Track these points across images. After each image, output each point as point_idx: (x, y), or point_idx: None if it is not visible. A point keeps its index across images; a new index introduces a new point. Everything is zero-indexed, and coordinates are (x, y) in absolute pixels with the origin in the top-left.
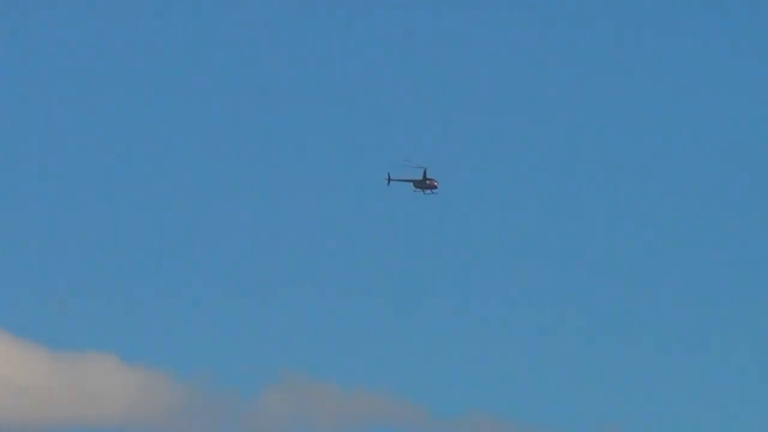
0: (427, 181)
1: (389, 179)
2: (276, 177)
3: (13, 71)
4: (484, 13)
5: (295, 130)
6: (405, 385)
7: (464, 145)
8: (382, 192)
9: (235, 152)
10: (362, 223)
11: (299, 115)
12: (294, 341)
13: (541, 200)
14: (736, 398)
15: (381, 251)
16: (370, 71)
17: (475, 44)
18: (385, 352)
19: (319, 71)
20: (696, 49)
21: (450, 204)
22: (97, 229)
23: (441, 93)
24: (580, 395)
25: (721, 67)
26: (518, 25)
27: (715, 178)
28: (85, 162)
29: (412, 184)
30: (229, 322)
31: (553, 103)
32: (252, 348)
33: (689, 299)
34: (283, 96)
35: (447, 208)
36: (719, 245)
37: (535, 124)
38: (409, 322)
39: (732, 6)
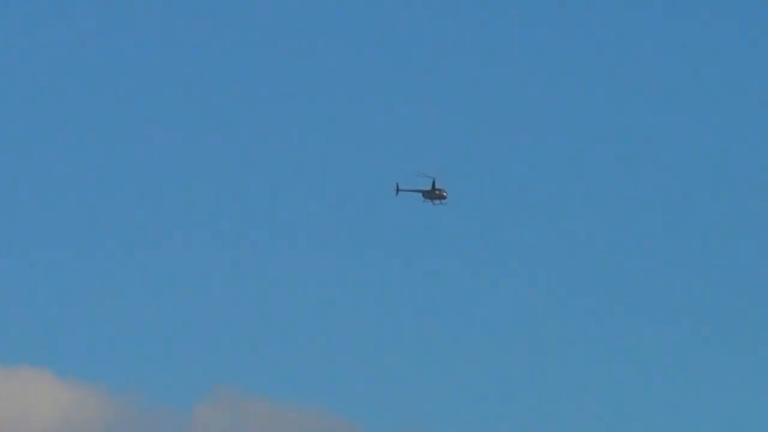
0: (436, 192)
1: (398, 189)
2: (276, 185)
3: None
4: (498, 22)
5: (302, 139)
6: (339, 401)
7: (474, 155)
8: (392, 202)
9: (237, 159)
10: (366, 233)
11: (305, 124)
12: (227, 355)
13: (548, 213)
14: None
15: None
16: (380, 81)
17: (488, 53)
18: (318, 367)
19: (327, 79)
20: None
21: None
22: (30, 242)
23: (451, 103)
24: (515, 417)
25: (723, 66)
26: (534, 33)
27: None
28: (21, 172)
29: (421, 194)
30: (162, 336)
31: (563, 114)
32: (185, 362)
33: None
34: (290, 104)
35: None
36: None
37: (545, 136)
38: (344, 335)
39: (732, 5)
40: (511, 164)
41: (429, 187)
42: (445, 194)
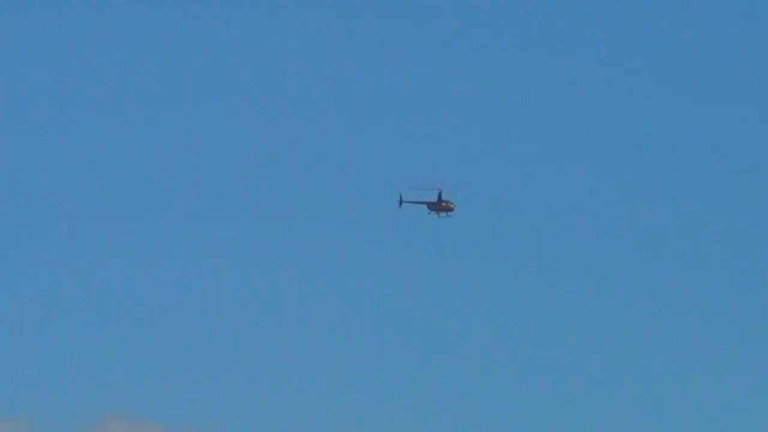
0: (443, 204)
1: (401, 201)
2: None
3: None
4: (507, 30)
5: (305, 152)
6: (232, 425)
7: (481, 166)
8: (395, 215)
9: (236, 162)
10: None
11: (308, 137)
12: (118, 380)
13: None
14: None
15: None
16: (387, 92)
17: (497, 63)
18: (211, 390)
19: (334, 90)
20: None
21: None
22: None
23: (457, 114)
24: None
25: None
26: (541, 40)
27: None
28: None
29: (426, 206)
30: (54, 362)
31: (571, 122)
32: (76, 389)
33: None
34: (292, 110)
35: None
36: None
37: (554, 145)
38: (238, 359)
39: (732, 6)
40: (519, 174)
41: (435, 199)
42: (451, 206)
